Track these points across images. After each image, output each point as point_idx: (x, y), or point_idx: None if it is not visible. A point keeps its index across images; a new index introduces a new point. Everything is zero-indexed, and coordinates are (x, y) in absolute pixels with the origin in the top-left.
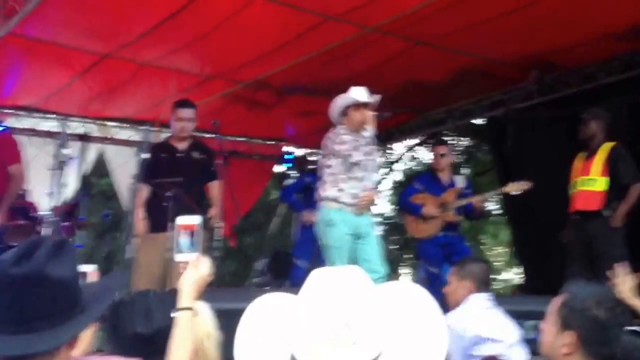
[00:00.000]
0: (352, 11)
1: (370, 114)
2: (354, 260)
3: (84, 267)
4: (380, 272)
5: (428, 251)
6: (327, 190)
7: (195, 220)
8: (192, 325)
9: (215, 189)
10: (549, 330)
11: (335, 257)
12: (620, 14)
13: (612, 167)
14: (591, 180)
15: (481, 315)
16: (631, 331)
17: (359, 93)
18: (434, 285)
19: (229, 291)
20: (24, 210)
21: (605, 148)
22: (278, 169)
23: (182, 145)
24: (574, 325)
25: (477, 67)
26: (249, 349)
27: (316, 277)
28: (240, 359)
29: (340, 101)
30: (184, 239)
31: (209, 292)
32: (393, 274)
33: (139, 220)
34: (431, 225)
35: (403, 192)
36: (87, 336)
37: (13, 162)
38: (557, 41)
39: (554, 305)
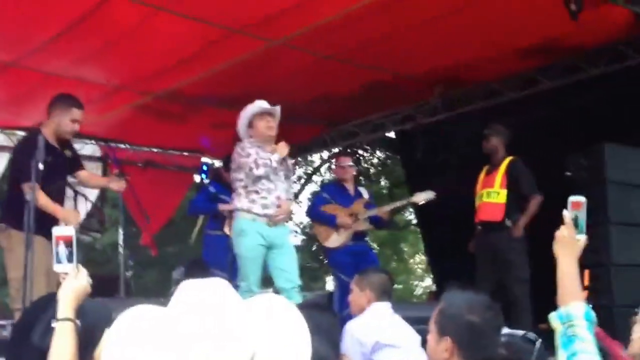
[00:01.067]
0: (258, 25)
1: (275, 126)
2: (268, 270)
3: None
4: (294, 282)
5: (340, 260)
6: (240, 201)
7: (71, 230)
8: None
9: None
10: (431, 337)
11: (248, 267)
12: (524, 32)
13: (512, 181)
14: (494, 193)
15: (381, 323)
16: (523, 336)
17: (261, 103)
18: (346, 292)
19: (148, 301)
20: None
21: (506, 162)
22: (197, 179)
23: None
24: (450, 331)
25: (385, 82)
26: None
27: (184, 290)
28: None
29: (244, 113)
30: (61, 249)
31: (129, 302)
32: (313, 283)
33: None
34: (343, 235)
35: (313, 202)
36: None
37: None
38: (463, 57)
39: (433, 313)
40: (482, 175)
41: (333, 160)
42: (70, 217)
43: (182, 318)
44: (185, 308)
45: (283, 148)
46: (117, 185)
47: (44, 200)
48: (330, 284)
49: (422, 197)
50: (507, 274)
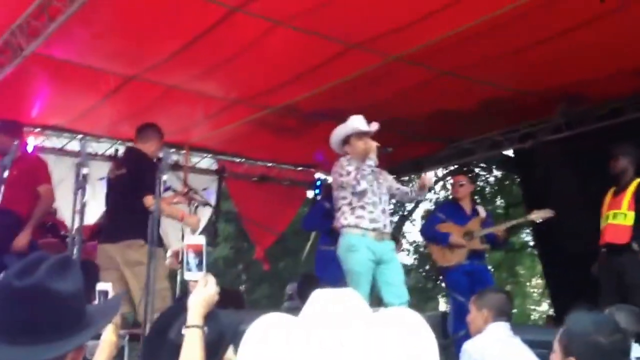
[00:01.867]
0: (375, 40)
1: (373, 143)
2: (376, 285)
3: (102, 286)
4: (403, 297)
5: (455, 280)
6: (347, 218)
7: (201, 239)
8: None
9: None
10: (554, 357)
11: (357, 281)
12: None
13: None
14: (621, 214)
15: (498, 344)
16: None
17: (359, 122)
18: (462, 313)
19: (260, 314)
20: (54, 228)
21: (635, 183)
22: (310, 194)
23: None
24: (575, 351)
25: (505, 98)
26: None
27: (315, 300)
28: None
29: (341, 130)
30: (191, 258)
31: (246, 314)
32: (426, 303)
33: None
34: (457, 254)
35: (427, 222)
36: (107, 348)
37: (42, 182)
38: (587, 74)
39: (558, 333)
40: (608, 197)
41: (448, 179)
42: (195, 222)
43: (315, 328)
44: (318, 318)
45: (374, 149)
46: (192, 221)
47: (169, 209)
48: (443, 304)
49: (540, 215)
50: (633, 300)
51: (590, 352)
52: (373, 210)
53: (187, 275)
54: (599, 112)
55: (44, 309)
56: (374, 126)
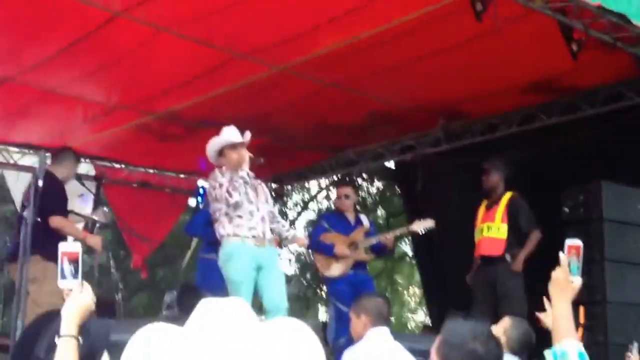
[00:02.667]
0: (260, 50)
1: (246, 154)
2: (257, 291)
3: None
4: (282, 305)
5: (339, 290)
6: (225, 227)
7: (77, 247)
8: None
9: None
10: None
11: (238, 290)
12: (526, 69)
13: (512, 216)
14: (495, 228)
15: (378, 350)
16: None
17: (232, 133)
18: (345, 322)
19: (139, 323)
20: None
21: (506, 197)
22: (192, 202)
23: None
24: (452, 359)
25: (388, 112)
26: None
27: (203, 309)
28: None
29: (214, 143)
30: (66, 265)
31: (119, 323)
32: (306, 311)
33: None
34: (342, 265)
35: (312, 232)
36: None
37: None
38: (464, 90)
39: (435, 343)
40: (481, 210)
41: (332, 188)
42: (97, 242)
43: (202, 337)
44: (204, 327)
45: (247, 160)
46: (94, 241)
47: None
48: (322, 313)
49: (421, 226)
50: (505, 309)
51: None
52: (250, 218)
53: (62, 284)
54: (476, 127)
55: None
56: (247, 136)
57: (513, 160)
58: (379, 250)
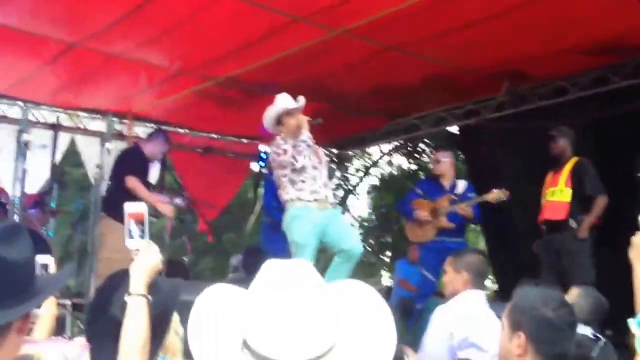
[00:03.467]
0: (320, 13)
1: (304, 118)
2: (330, 247)
3: (42, 258)
4: (358, 246)
5: (425, 257)
6: (288, 193)
7: (142, 207)
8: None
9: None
10: (503, 334)
11: (301, 253)
12: (594, 28)
13: (576, 180)
14: (558, 191)
15: (474, 317)
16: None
17: (286, 100)
18: (427, 289)
19: (206, 285)
20: None
21: (572, 162)
22: (255, 167)
23: None
24: (523, 325)
25: (450, 75)
26: (203, 338)
27: (268, 269)
28: (193, 346)
29: (271, 112)
30: (133, 226)
31: (188, 284)
32: (368, 278)
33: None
34: (426, 231)
35: (403, 196)
36: (48, 321)
37: None
38: (530, 52)
39: (506, 309)
40: (548, 177)
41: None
42: (169, 210)
43: (265, 298)
44: (269, 288)
45: (305, 123)
46: (164, 208)
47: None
48: (386, 278)
49: (495, 197)
50: (572, 276)
51: (539, 326)
52: (314, 182)
53: (129, 244)
54: (542, 91)
55: None
56: (301, 101)
57: (580, 125)
58: (454, 219)
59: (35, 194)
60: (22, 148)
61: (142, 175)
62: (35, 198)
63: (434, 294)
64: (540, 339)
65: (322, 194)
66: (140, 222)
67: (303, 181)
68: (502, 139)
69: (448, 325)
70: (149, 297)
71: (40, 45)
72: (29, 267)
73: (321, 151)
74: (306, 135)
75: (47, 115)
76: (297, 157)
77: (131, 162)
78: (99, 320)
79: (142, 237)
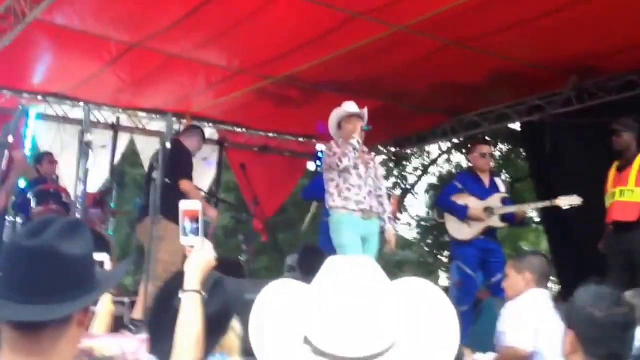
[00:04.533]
0: (381, 9)
1: (358, 123)
2: None
3: (98, 256)
4: None
5: (466, 253)
6: (335, 200)
7: (197, 205)
8: (199, 306)
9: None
10: (563, 333)
11: (347, 253)
12: None
13: None
14: (628, 191)
15: (543, 314)
16: None
17: (349, 105)
18: (469, 287)
19: (264, 284)
20: (57, 195)
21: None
22: (311, 166)
23: None
24: (573, 324)
25: (513, 70)
26: (264, 333)
27: (331, 265)
28: (255, 342)
29: (334, 116)
30: (187, 224)
31: (242, 283)
32: (427, 277)
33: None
34: (473, 228)
35: (444, 191)
36: (105, 317)
37: (17, 147)
38: (597, 46)
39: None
40: (612, 173)
41: (453, 152)
42: (215, 215)
43: (327, 293)
44: (332, 283)
45: (358, 129)
46: (211, 213)
47: (195, 193)
48: (443, 279)
49: (567, 202)
50: None
51: (586, 325)
52: (359, 192)
53: (184, 241)
54: (610, 85)
55: (51, 269)
56: (364, 110)
57: None
58: (510, 220)
59: (96, 194)
60: (84, 148)
61: (191, 173)
62: (95, 197)
63: (479, 293)
64: (587, 338)
65: (366, 204)
66: (194, 219)
67: (349, 189)
68: (567, 136)
69: (517, 317)
70: (204, 294)
71: (102, 47)
72: (89, 262)
73: (375, 163)
74: (356, 140)
75: (107, 115)
76: (342, 158)
77: (182, 162)
78: (161, 313)
79: (196, 234)
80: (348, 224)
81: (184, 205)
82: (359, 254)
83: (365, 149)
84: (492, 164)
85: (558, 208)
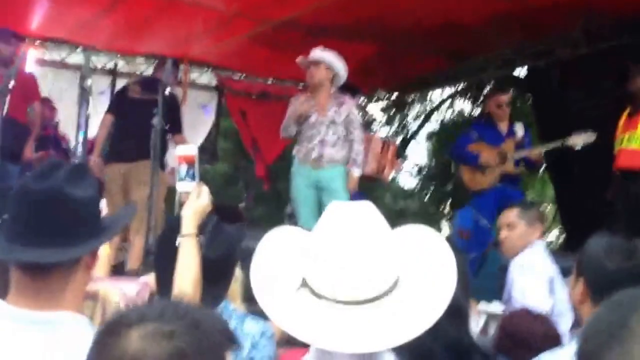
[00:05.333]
0: None
1: (316, 74)
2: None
3: None
4: None
5: (482, 203)
6: (295, 150)
7: (193, 150)
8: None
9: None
10: (572, 278)
11: (297, 206)
12: None
13: None
14: (637, 138)
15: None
16: None
17: (311, 54)
18: (483, 237)
19: (260, 231)
20: (56, 141)
21: None
22: None
23: None
24: (584, 272)
25: (517, 12)
26: (264, 278)
27: (332, 211)
28: (256, 287)
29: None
30: (183, 169)
31: (242, 230)
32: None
33: None
34: (488, 177)
35: (458, 140)
36: (103, 261)
37: (35, 99)
38: None
39: (577, 257)
40: (623, 118)
41: (458, 98)
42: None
43: (327, 238)
44: (331, 228)
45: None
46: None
47: None
48: (446, 229)
49: (580, 140)
50: None
51: (597, 275)
52: (310, 141)
53: (180, 186)
54: (622, 27)
55: (60, 212)
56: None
57: None
58: (528, 165)
59: (94, 139)
60: (85, 94)
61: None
62: (93, 144)
63: (490, 244)
64: (598, 289)
65: (315, 153)
66: (191, 164)
67: (302, 139)
68: (575, 81)
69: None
70: (201, 237)
71: None
72: (95, 205)
73: (345, 110)
74: (314, 115)
75: (105, 61)
76: (294, 107)
77: (180, 116)
78: (165, 251)
79: (192, 179)
80: (298, 174)
81: (180, 150)
82: (307, 206)
83: (338, 94)
84: (508, 111)
85: (565, 154)
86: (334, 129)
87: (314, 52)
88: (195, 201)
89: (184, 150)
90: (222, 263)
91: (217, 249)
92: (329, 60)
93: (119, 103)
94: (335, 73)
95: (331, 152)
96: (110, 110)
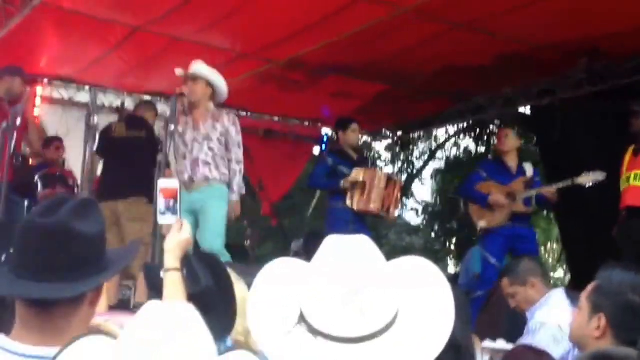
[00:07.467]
0: None
1: (194, 89)
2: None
3: None
4: (214, 244)
5: (491, 242)
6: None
7: (175, 184)
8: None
9: None
10: (579, 316)
11: None
12: None
13: None
14: None
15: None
16: None
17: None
18: (490, 275)
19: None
20: (62, 178)
21: None
22: (317, 150)
23: None
24: (605, 309)
25: (521, 53)
26: (261, 309)
27: (329, 244)
28: (252, 318)
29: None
30: (163, 202)
31: (246, 268)
32: (437, 264)
33: None
34: (498, 216)
35: (467, 179)
36: (108, 294)
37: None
38: (609, 27)
39: (586, 291)
40: (628, 156)
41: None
42: None
43: (324, 272)
44: (329, 262)
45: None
46: None
47: None
48: (451, 267)
49: (589, 179)
50: None
51: (624, 311)
52: (182, 162)
53: (161, 219)
54: (623, 68)
55: (65, 247)
56: (178, 72)
57: None
58: (540, 203)
59: (100, 177)
60: (92, 131)
61: None
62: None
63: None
64: (622, 324)
65: (185, 175)
66: (172, 198)
67: (177, 160)
68: (579, 120)
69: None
70: (184, 271)
71: (106, 30)
72: (101, 241)
73: (217, 121)
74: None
75: (112, 99)
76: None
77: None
78: (154, 280)
79: (173, 213)
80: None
81: (162, 183)
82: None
83: (216, 112)
84: (516, 146)
85: (569, 193)
86: (208, 144)
87: (194, 67)
88: (177, 235)
89: (166, 183)
90: (209, 294)
91: (198, 282)
92: (208, 76)
93: (106, 143)
94: (214, 89)
95: (204, 172)
96: (98, 151)
